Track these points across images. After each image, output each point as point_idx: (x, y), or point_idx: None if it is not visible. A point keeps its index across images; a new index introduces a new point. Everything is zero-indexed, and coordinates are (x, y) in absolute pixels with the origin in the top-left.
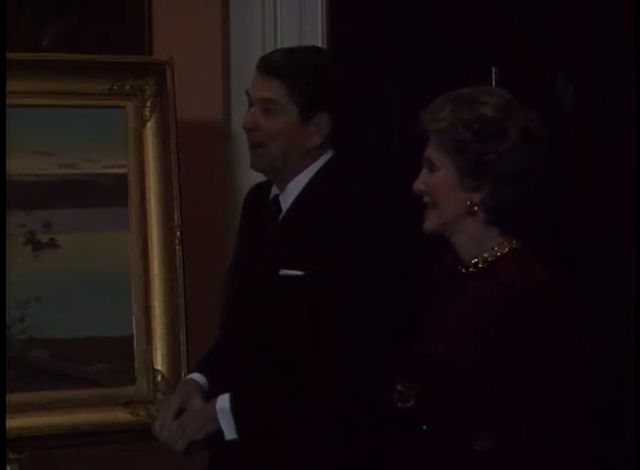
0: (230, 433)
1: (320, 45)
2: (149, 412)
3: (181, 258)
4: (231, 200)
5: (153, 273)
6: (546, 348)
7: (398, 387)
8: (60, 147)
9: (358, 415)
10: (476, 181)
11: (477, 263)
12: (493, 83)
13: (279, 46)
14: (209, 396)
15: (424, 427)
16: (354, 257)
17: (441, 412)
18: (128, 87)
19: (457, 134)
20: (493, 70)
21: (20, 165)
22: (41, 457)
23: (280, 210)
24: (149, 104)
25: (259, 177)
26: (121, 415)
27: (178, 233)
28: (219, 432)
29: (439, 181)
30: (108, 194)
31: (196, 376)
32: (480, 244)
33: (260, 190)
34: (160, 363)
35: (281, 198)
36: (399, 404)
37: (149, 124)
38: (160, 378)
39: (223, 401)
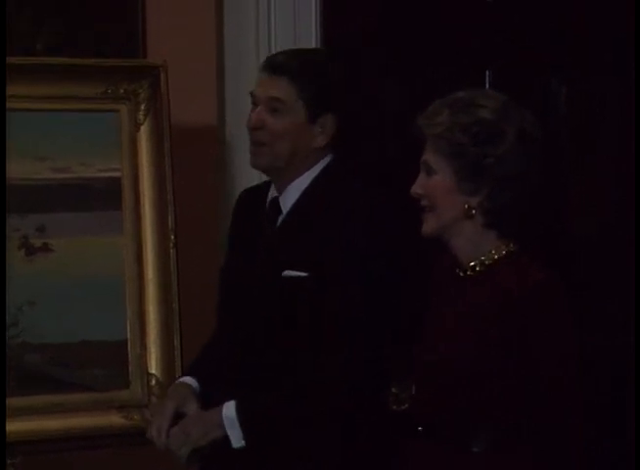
0: (237, 441)
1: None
2: (143, 416)
3: (175, 261)
4: (225, 204)
5: (147, 277)
6: (545, 348)
7: (393, 389)
8: (53, 151)
9: (359, 416)
10: (473, 184)
11: (474, 267)
12: (487, 85)
13: (273, 49)
14: (203, 399)
15: (419, 428)
16: (355, 257)
17: (439, 413)
18: (122, 91)
19: (454, 138)
20: (487, 73)
21: (13, 169)
22: (35, 462)
23: (279, 212)
24: (143, 107)
25: (254, 181)
26: (116, 419)
27: (172, 237)
28: (221, 438)
29: (437, 185)
30: (102, 198)
31: (188, 379)
32: (477, 247)
33: (253, 194)
34: (154, 367)
35: (281, 199)
36: (394, 407)
37: (143, 128)
38: (154, 382)
39: (229, 409)
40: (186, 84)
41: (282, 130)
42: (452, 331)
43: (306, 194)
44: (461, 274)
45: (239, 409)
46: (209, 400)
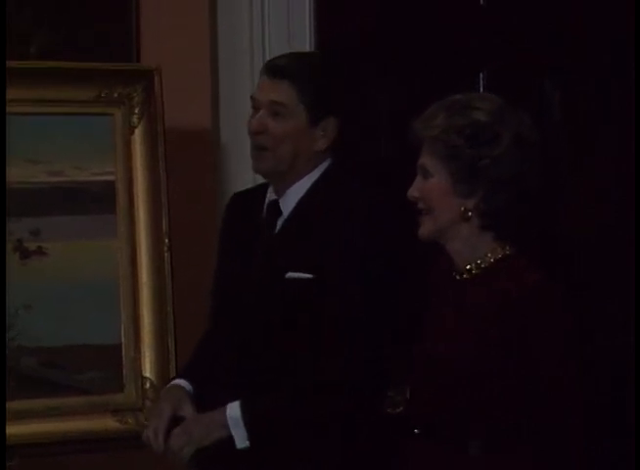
0: (241, 441)
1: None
2: (137, 420)
3: (169, 265)
4: (219, 207)
5: (141, 281)
6: (545, 348)
7: (389, 392)
8: (48, 154)
9: (360, 416)
10: (469, 187)
11: (470, 270)
12: (482, 87)
13: (267, 53)
14: (197, 401)
15: (416, 431)
16: (354, 257)
17: (438, 414)
18: (116, 95)
19: (450, 140)
20: (481, 75)
21: (8, 173)
22: (31, 465)
23: (278, 215)
24: (137, 111)
25: (249, 184)
26: (110, 423)
27: (166, 240)
28: (224, 439)
29: (433, 188)
30: (96, 201)
31: (181, 382)
32: (474, 250)
33: (246, 197)
34: (148, 371)
35: (281, 202)
36: (389, 410)
37: (137, 132)
38: (148, 385)
39: (234, 410)
40: (180, 87)
41: (284, 134)
42: (452, 331)
43: (307, 197)
44: (458, 277)
45: (243, 410)
46: (203, 403)
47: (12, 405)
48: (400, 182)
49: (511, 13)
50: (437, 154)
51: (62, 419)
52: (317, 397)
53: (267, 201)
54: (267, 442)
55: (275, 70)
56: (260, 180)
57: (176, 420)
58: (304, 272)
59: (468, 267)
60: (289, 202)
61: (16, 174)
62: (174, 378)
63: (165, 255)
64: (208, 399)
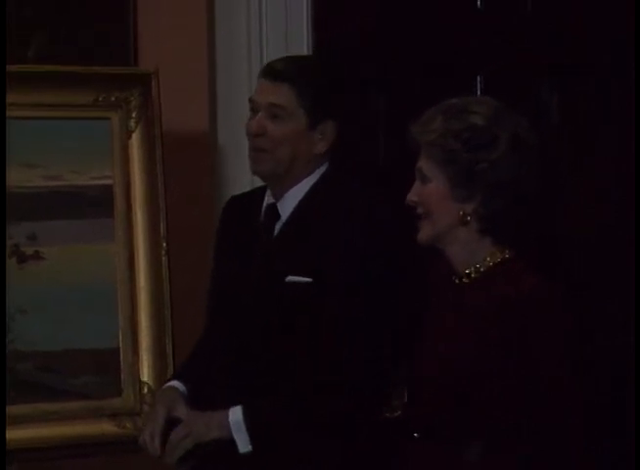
0: (244, 446)
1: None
2: (135, 424)
3: (167, 269)
4: (217, 211)
5: (139, 285)
6: (545, 348)
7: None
8: (45, 158)
9: (360, 418)
10: (467, 191)
11: (469, 274)
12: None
13: (265, 56)
14: (191, 403)
15: (415, 435)
16: (353, 257)
17: (438, 415)
18: (113, 98)
19: (447, 144)
20: (479, 70)
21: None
22: (29, 469)
23: (277, 218)
24: (134, 115)
25: (246, 187)
26: (108, 427)
27: (164, 244)
28: (224, 441)
29: (431, 192)
30: (93, 205)
31: (175, 383)
32: (473, 254)
33: (243, 200)
34: (146, 375)
35: (279, 206)
36: (387, 414)
37: (134, 136)
38: (146, 390)
39: (236, 414)
40: (178, 91)
41: (282, 137)
42: (452, 331)
43: (305, 200)
44: (457, 281)
45: (245, 414)
46: (198, 404)
47: (9, 410)
48: (399, 184)
49: (510, 13)
50: (435, 158)
51: (59, 424)
52: (317, 398)
53: (265, 204)
54: (270, 445)
55: (275, 72)
56: (258, 184)
57: (171, 422)
58: (304, 276)
59: (467, 271)
60: (287, 205)
61: (13, 178)
62: (169, 379)
63: (163, 259)
64: (204, 400)
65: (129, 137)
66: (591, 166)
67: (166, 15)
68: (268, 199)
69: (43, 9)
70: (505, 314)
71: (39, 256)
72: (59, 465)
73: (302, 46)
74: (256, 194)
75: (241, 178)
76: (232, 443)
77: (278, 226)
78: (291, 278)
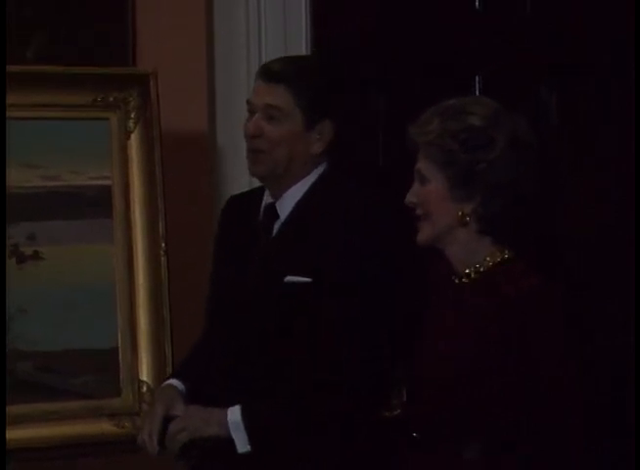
0: (242, 445)
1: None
2: (134, 424)
3: (166, 269)
4: (216, 211)
5: (138, 284)
6: (545, 348)
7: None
8: (44, 159)
9: (359, 418)
10: (466, 191)
11: (469, 274)
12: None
13: (263, 57)
14: (190, 401)
15: (414, 435)
16: (350, 258)
17: (436, 414)
18: (112, 99)
19: (445, 145)
20: (479, 70)
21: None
22: (27, 469)
23: (275, 218)
24: (133, 115)
25: (245, 187)
26: (107, 427)
27: (163, 244)
28: (222, 441)
29: (430, 193)
30: (92, 206)
31: (174, 382)
32: (472, 254)
33: (242, 200)
34: (145, 374)
35: (278, 206)
36: (386, 414)
37: (133, 136)
38: (145, 389)
39: (234, 414)
40: (176, 91)
41: (280, 138)
42: (452, 330)
43: (304, 200)
44: (457, 281)
45: (244, 414)
46: (197, 402)
47: (8, 410)
48: (399, 184)
49: (510, 13)
50: (433, 159)
51: (58, 423)
52: (316, 398)
53: (264, 204)
54: (268, 445)
55: (271, 74)
56: (257, 184)
57: (170, 420)
58: (303, 276)
59: (467, 272)
60: (286, 205)
61: (12, 179)
62: (168, 378)
63: (162, 259)
64: (202, 399)
65: (128, 138)
66: (591, 166)
67: (165, 15)
68: (267, 199)
69: (43, 9)
70: (505, 313)
71: (38, 256)
72: (58, 465)
73: (301, 46)
74: (255, 194)
75: (239, 178)
76: (230, 442)
77: (277, 226)
78: (290, 278)
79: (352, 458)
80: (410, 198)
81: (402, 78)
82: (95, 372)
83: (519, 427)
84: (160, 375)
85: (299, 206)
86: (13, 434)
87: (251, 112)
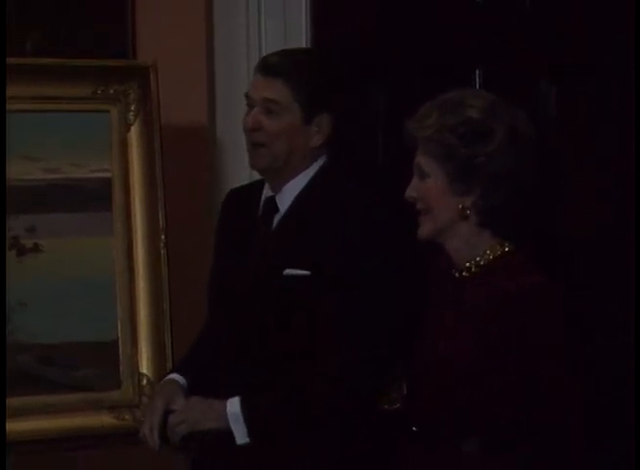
0: (241, 437)
1: None
2: (134, 416)
3: (166, 261)
4: (216, 203)
5: (138, 277)
6: (545, 348)
7: (385, 389)
8: (44, 151)
9: (358, 415)
10: (466, 185)
11: (469, 268)
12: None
13: (263, 50)
14: (192, 395)
15: (414, 428)
16: (350, 257)
17: (437, 412)
18: (112, 91)
19: (444, 139)
20: (479, 70)
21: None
22: (27, 462)
23: (275, 211)
24: (133, 108)
25: (245, 180)
26: (107, 419)
27: (163, 237)
28: (221, 432)
29: (430, 187)
30: (92, 198)
31: (175, 376)
32: (473, 248)
33: (242, 194)
34: (145, 367)
35: (277, 199)
36: (385, 407)
37: (133, 128)
38: (145, 382)
39: (233, 406)
40: (176, 84)
41: (278, 131)
42: (452, 329)
43: (303, 194)
44: (457, 275)
45: (243, 406)
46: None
47: (9, 402)
48: (399, 182)
49: (510, 13)
50: (432, 153)
51: (58, 416)
52: (315, 392)
53: (264, 197)
54: (267, 438)
55: (268, 67)
56: (256, 176)
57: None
58: (302, 269)
59: (467, 265)
60: (285, 198)
61: (12, 171)
62: (169, 372)
63: (162, 251)
64: (203, 393)
65: (128, 130)
66: (591, 166)
67: (166, 8)
68: (267, 192)
69: (44, 7)
70: (505, 311)
71: (38, 248)
72: (58, 457)
73: (301, 37)
74: (255, 187)
75: (239, 171)
76: (230, 434)
77: (276, 219)
78: (289, 271)
79: (352, 452)
80: (410, 193)
81: (402, 78)
82: (95, 365)
83: (518, 426)
84: (160, 367)
85: (299, 199)
86: (13, 426)
87: (250, 105)
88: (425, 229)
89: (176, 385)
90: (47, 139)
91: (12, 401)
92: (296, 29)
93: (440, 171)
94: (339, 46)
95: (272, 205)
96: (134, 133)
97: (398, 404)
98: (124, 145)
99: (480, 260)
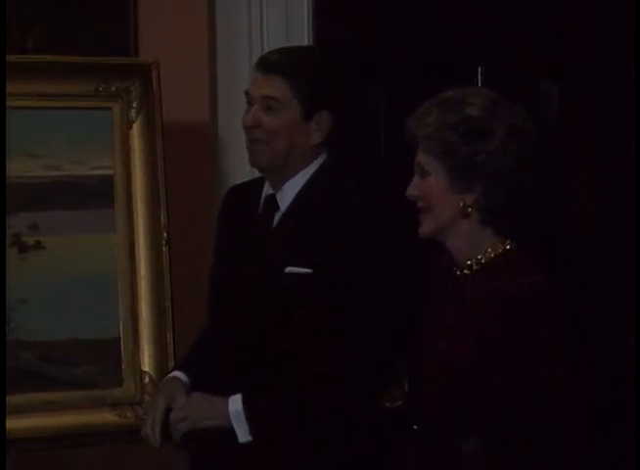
0: (244, 436)
1: None
2: (136, 414)
3: (168, 259)
4: (218, 200)
5: (139, 274)
6: (545, 348)
7: (387, 387)
8: (46, 149)
9: (359, 414)
10: (467, 183)
11: (471, 266)
12: (479, 83)
13: (265, 47)
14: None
15: (415, 427)
16: (350, 256)
17: (438, 411)
18: (114, 88)
19: (444, 137)
20: (479, 69)
21: (6, 168)
22: (29, 459)
23: (275, 209)
24: (135, 105)
25: (247, 178)
26: (108, 417)
27: (165, 234)
28: (223, 431)
29: (431, 186)
30: (94, 195)
31: (178, 374)
32: (474, 246)
33: (243, 191)
34: (147, 365)
35: (278, 196)
36: (387, 404)
37: (135, 126)
38: (147, 379)
39: (236, 404)
40: (178, 82)
41: (278, 128)
42: (452, 328)
43: (304, 192)
44: (458, 273)
45: (245, 404)
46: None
47: (10, 399)
48: (400, 181)
49: (510, 12)
50: (433, 152)
51: (60, 413)
52: (315, 391)
53: (264, 195)
54: (269, 436)
55: (268, 65)
56: (258, 174)
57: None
58: (303, 267)
59: (468, 263)
60: (286, 196)
61: (14, 169)
62: (171, 370)
63: (164, 249)
64: (205, 390)
65: (130, 127)
66: (591, 166)
67: (168, 6)
68: (267, 190)
69: (43, 8)
70: (505, 310)
71: (40, 245)
72: (60, 455)
73: (303, 34)
74: (256, 184)
75: (241, 168)
76: (231, 432)
77: (277, 217)
78: (290, 269)
79: (352, 452)
80: (411, 191)
81: (402, 78)
82: (96, 362)
83: (518, 426)
84: (161, 365)
85: (300, 196)
86: (14, 424)
87: (250, 103)
88: (426, 227)
89: (179, 383)
90: (49, 136)
91: (13, 399)
92: (298, 27)
93: (441, 169)
94: (340, 46)
95: (273, 202)
96: (136, 131)
97: (400, 402)
98: (126, 142)
99: (481, 258)
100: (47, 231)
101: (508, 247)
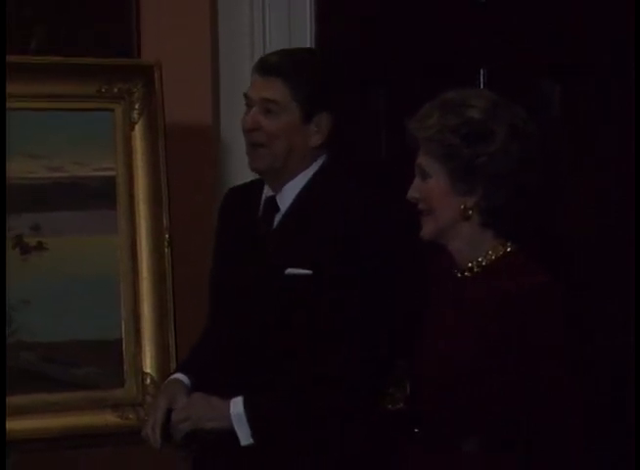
0: (245, 438)
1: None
2: (138, 415)
3: (170, 260)
4: (219, 202)
5: (141, 276)
6: (545, 348)
7: (389, 389)
8: (48, 150)
9: (359, 415)
10: (468, 185)
11: (472, 268)
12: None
13: (268, 48)
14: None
15: (416, 430)
16: (350, 257)
17: (438, 411)
18: (116, 90)
19: (445, 140)
20: (480, 70)
21: (8, 168)
22: (30, 460)
23: (276, 211)
24: (137, 106)
25: (248, 179)
26: (110, 418)
27: (167, 236)
28: (224, 432)
29: (432, 188)
30: (96, 197)
31: (179, 376)
32: (475, 248)
33: (242, 192)
34: (148, 366)
35: (278, 198)
36: (389, 406)
37: (137, 127)
38: (149, 381)
39: (237, 406)
40: (181, 83)
41: (277, 131)
42: (452, 328)
43: (304, 193)
44: (459, 275)
45: (246, 407)
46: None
47: (11, 400)
48: (400, 181)
49: (511, 12)
50: (434, 154)
51: (62, 414)
52: (316, 390)
53: (264, 197)
54: (271, 438)
55: (267, 67)
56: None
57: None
58: (303, 268)
59: (469, 266)
60: (286, 198)
61: (15, 170)
62: (173, 372)
63: (166, 250)
64: (207, 392)
65: (132, 129)
66: (591, 166)
67: (170, 7)
68: (267, 191)
69: (43, 8)
70: (505, 311)
71: (42, 246)
72: (61, 456)
73: (305, 37)
74: (255, 186)
75: (243, 170)
76: (232, 433)
77: (277, 218)
78: (290, 270)
79: (352, 452)
80: (412, 193)
81: (402, 78)
82: (98, 363)
83: (518, 426)
84: (163, 366)
85: (300, 198)
86: (15, 424)
87: (249, 105)
88: (427, 230)
89: (180, 384)
90: (51, 137)
91: (14, 400)
92: (300, 28)
93: (442, 172)
94: (340, 45)
95: (273, 204)
96: (138, 132)
97: (402, 404)
98: (128, 143)
99: (482, 261)
100: (49, 232)
101: (509, 249)
